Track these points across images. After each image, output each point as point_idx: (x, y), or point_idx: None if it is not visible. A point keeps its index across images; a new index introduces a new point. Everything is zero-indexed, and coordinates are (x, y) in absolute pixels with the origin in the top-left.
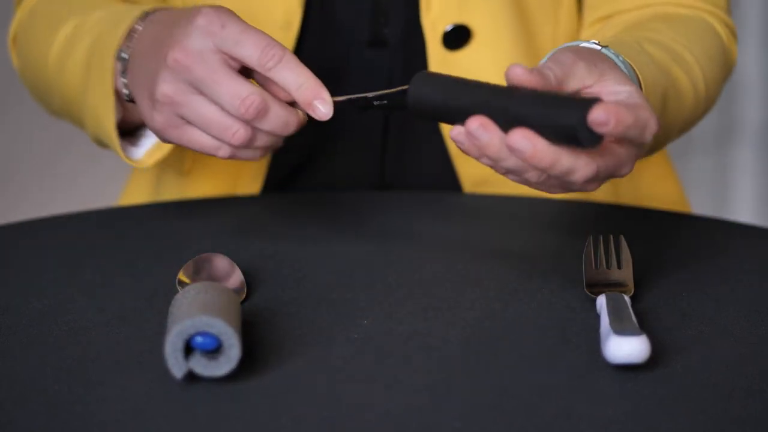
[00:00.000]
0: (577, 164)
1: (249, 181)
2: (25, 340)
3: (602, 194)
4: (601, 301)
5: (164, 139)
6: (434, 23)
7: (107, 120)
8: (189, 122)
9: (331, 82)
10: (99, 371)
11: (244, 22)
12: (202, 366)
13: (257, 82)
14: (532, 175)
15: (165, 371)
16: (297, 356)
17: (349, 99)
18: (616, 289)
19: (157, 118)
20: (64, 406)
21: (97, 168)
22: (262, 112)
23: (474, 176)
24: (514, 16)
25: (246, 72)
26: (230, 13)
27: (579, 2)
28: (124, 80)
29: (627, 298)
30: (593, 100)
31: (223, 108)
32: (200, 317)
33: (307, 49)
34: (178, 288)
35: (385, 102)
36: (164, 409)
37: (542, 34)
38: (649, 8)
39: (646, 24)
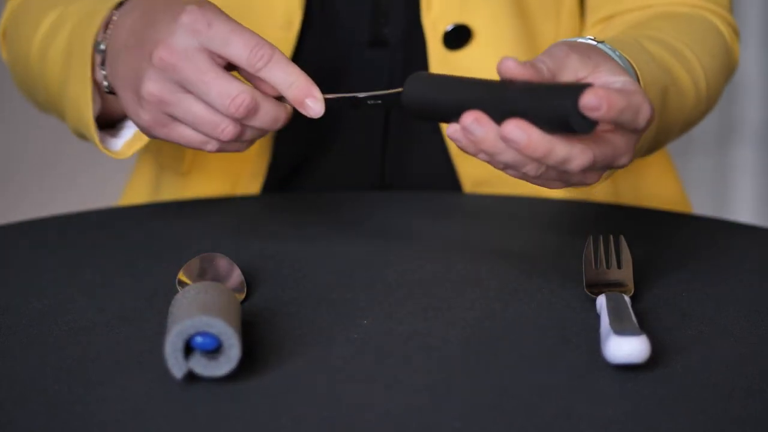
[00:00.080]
0: (572, 153)
1: (249, 181)
2: (25, 340)
3: (602, 194)
4: (601, 301)
5: (151, 136)
6: (435, 23)
7: (86, 111)
8: (177, 120)
9: (331, 83)
10: (99, 371)
11: (230, 19)
12: (202, 366)
13: (243, 77)
14: (530, 169)
15: (165, 371)
16: (297, 356)
17: (341, 97)
18: (616, 289)
19: (144, 116)
20: (64, 406)
21: (97, 168)
22: (252, 110)
23: (474, 176)
24: (515, 15)
25: (231, 65)
26: (215, 9)
27: (581, 2)
28: (104, 72)
29: (627, 298)
30: (584, 86)
31: (211, 105)
32: (200, 317)
33: (307, 49)
34: (178, 288)
35: (379, 101)
36: (164, 409)
37: (543, 34)
38: (651, 8)
39: (648, 23)
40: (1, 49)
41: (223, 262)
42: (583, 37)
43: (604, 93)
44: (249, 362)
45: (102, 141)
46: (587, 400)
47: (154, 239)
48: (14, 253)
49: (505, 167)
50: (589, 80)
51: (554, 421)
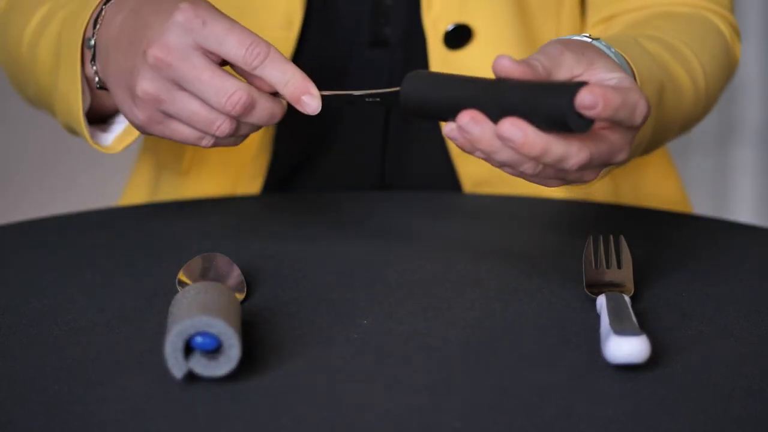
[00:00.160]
0: (569, 151)
1: (249, 181)
2: (25, 340)
3: (602, 194)
4: (601, 301)
5: (146, 133)
6: (435, 23)
7: (75, 106)
8: (172, 117)
9: (332, 82)
10: (99, 371)
11: (224, 17)
12: (202, 366)
13: (237, 73)
14: (527, 167)
15: (165, 371)
16: (297, 356)
17: (338, 94)
18: (616, 289)
19: (139, 114)
20: (64, 406)
21: (97, 168)
22: (249, 107)
23: (474, 176)
24: (516, 15)
25: (225, 60)
26: (209, 6)
27: (582, 2)
28: (95, 68)
29: (627, 298)
30: (580, 84)
31: (207, 103)
32: (200, 317)
33: (308, 49)
34: (178, 288)
35: (378, 99)
36: (164, 409)
37: (544, 34)
38: (652, 8)
39: (647, 22)
40: None
41: (223, 262)
42: (577, 35)
43: (601, 91)
44: (249, 362)
45: (92, 136)
46: (587, 400)
47: (154, 239)
48: (14, 253)
49: (502, 165)
50: (584, 77)
51: (554, 421)
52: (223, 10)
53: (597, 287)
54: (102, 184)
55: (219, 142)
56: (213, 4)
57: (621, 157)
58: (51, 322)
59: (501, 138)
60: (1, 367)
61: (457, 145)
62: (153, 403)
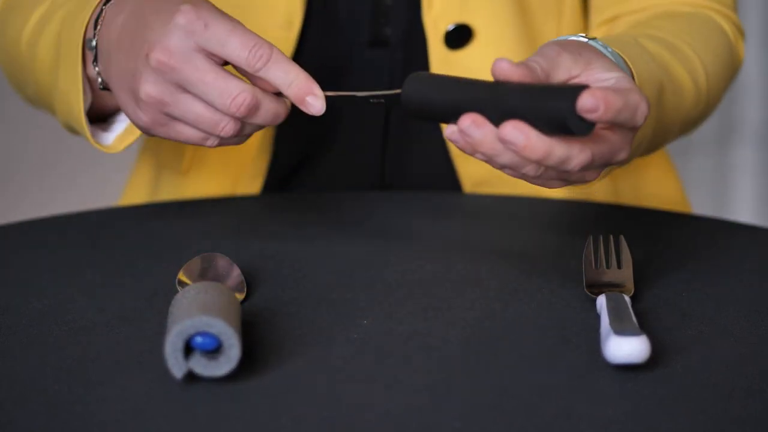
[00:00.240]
0: (571, 152)
1: (249, 181)
2: (25, 340)
3: (602, 194)
4: (601, 301)
5: (150, 134)
6: (436, 23)
7: (76, 106)
8: (176, 119)
9: (332, 82)
10: (99, 371)
11: (226, 18)
12: (202, 366)
13: (240, 73)
14: (529, 170)
15: (165, 371)
16: (297, 356)
17: (342, 95)
18: (616, 289)
19: (143, 117)
20: (64, 406)
21: (97, 168)
22: (253, 108)
23: (474, 176)
24: (516, 15)
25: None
26: (210, 8)
27: (584, 2)
28: (97, 69)
29: (627, 298)
30: (581, 88)
31: (211, 105)
32: (200, 317)
33: (308, 49)
34: (178, 288)
35: (382, 100)
36: (164, 409)
37: (545, 34)
38: (654, 8)
39: (649, 22)
40: None
41: (223, 262)
42: (574, 35)
43: (602, 94)
44: (249, 362)
45: (93, 135)
46: (587, 400)
47: (154, 239)
48: (14, 253)
49: (504, 168)
50: (582, 77)
51: (554, 421)
52: (223, 10)
53: (597, 287)
54: (102, 184)
55: (223, 141)
56: (213, 3)
57: (622, 156)
58: (51, 322)
59: (503, 141)
60: (1, 367)
61: (458, 148)
62: (153, 403)
